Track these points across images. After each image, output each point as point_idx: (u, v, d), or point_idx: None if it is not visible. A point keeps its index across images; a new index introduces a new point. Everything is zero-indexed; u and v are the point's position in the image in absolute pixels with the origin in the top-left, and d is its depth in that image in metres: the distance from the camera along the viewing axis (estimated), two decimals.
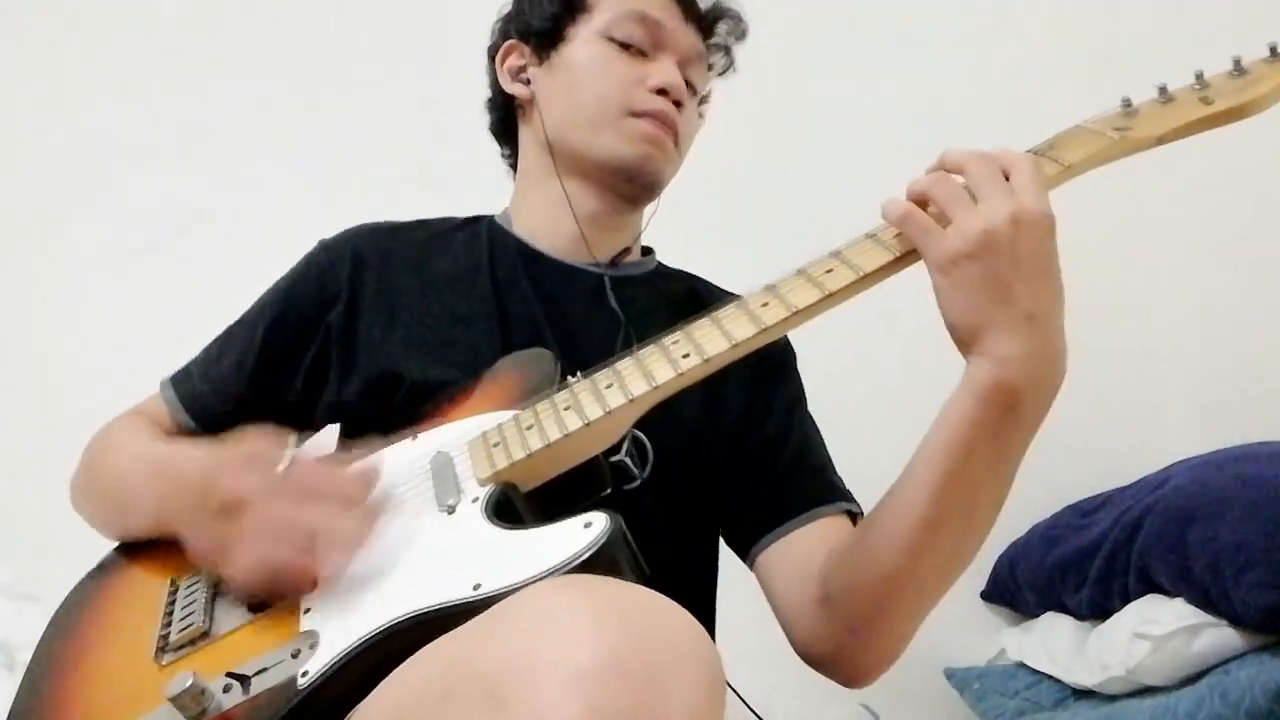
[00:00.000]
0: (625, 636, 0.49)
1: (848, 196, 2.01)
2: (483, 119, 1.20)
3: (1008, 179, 0.73)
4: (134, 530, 0.91)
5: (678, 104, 1.03)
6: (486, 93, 1.18)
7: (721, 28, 1.11)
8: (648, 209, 1.13)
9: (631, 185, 1.05)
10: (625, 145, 1.02)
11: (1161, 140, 0.77)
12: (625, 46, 1.04)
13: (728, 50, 1.14)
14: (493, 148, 1.21)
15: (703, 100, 1.15)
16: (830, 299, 0.76)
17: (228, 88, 2.04)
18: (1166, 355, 2.11)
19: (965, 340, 0.75)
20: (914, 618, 0.86)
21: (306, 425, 1.04)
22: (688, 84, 1.06)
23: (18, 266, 1.97)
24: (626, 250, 1.10)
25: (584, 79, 1.04)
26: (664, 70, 1.03)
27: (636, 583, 0.62)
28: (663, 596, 0.56)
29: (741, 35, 1.14)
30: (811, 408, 1.09)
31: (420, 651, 0.59)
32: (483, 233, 1.09)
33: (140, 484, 0.89)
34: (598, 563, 0.62)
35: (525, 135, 1.13)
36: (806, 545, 0.94)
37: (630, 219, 1.10)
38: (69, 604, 0.89)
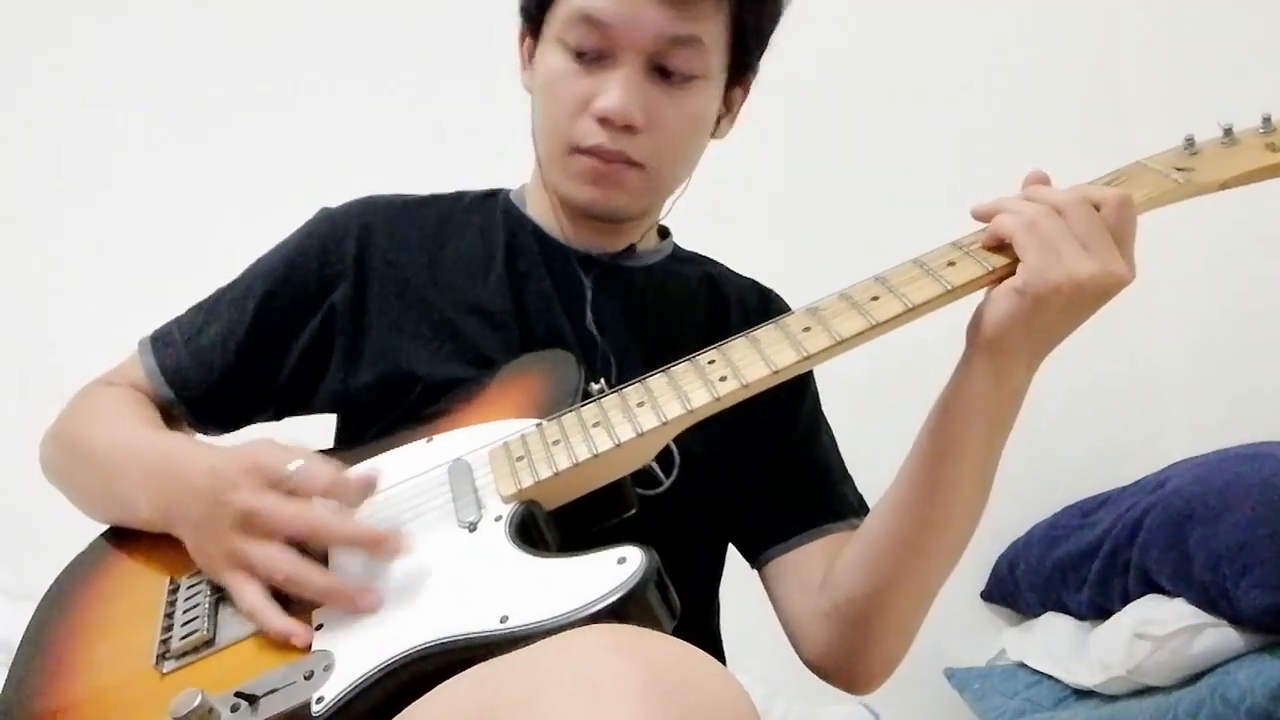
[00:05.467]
0: (671, 711, 0.49)
1: (863, 181, 2.04)
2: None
3: (1098, 209, 0.72)
4: (126, 522, 0.87)
5: (630, 127, 0.89)
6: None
7: None
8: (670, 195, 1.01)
9: (596, 220, 0.97)
10: (572, 186, 0.93)
11: (1225, 186, 0.75)
12: (580, 54, 0.89)
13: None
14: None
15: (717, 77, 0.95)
16: (876, 329, 0.73)
17: (226, 73, 2.04)
18: (1166, 355, 2.11)
19: (987, 348, 0.76)
20: (912, 619, 0.89)
21: (300, 408, 1.00)
22: (665, 72, 0.89)
23: (17, 264, 1.97)
24: (631, 248, 1.01)
25: (542, 99, 0.94)
26: (609, 91, 0.88)
27: (668, 618, 0.63)
28: (709, 659, 0.54)
29: None
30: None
31: (453, 684, 0.57)
32: (498, 214, 1.02)
33: (138, 478, 0.84)
34: (630, 602, 0.61)
35: None
36: (814, 558, 0.94)
37: (629, 223, 1.00)
38: (59, 590, 0.85)
